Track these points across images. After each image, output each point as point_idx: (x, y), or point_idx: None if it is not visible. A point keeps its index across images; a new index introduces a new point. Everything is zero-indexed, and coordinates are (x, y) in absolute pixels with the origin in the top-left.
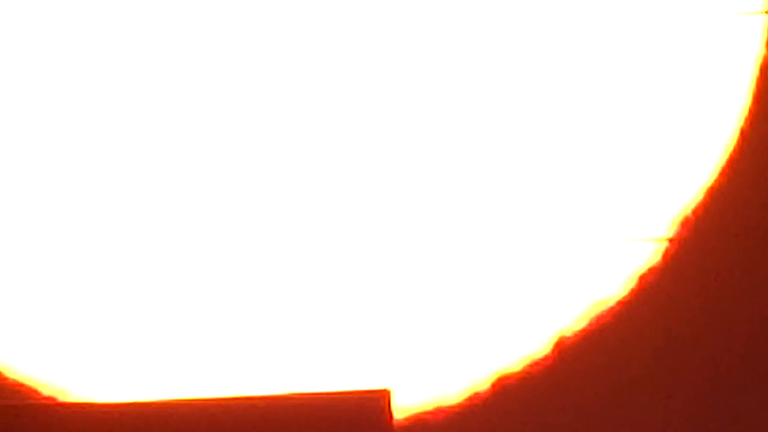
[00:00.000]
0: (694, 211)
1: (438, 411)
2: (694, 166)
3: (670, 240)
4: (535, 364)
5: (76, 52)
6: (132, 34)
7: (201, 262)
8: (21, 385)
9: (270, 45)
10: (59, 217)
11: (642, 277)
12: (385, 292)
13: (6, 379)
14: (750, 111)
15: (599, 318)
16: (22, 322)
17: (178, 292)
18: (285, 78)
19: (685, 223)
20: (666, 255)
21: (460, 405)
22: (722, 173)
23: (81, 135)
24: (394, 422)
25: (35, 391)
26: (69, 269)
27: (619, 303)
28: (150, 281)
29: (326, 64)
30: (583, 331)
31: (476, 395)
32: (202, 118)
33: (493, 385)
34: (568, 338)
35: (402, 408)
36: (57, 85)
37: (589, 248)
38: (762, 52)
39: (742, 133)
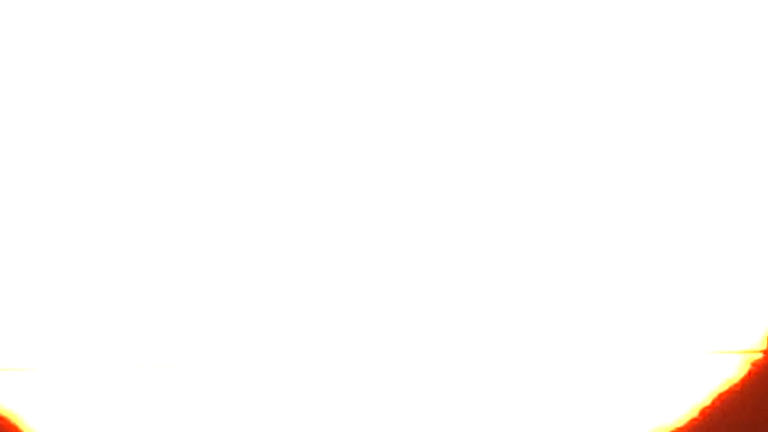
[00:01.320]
0: None
1: None
2: None
3: (764, 352)
4: None
5: (75, 52)
6: (132, 34)
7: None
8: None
9: (270, 46)
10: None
11: (728, 391)
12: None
13: None
14: None
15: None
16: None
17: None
18: (287, 81)
19: None
20: (757, 368)
21: None
22: None
23: (79, 136)
24: None
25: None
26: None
27: (704, 418)
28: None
29: (333, 74)
30: None
31: None
32: (204, 118)
33: None
34: None
35: None
36: (56, 85)
37: (675, 360)
38: None
39: None
